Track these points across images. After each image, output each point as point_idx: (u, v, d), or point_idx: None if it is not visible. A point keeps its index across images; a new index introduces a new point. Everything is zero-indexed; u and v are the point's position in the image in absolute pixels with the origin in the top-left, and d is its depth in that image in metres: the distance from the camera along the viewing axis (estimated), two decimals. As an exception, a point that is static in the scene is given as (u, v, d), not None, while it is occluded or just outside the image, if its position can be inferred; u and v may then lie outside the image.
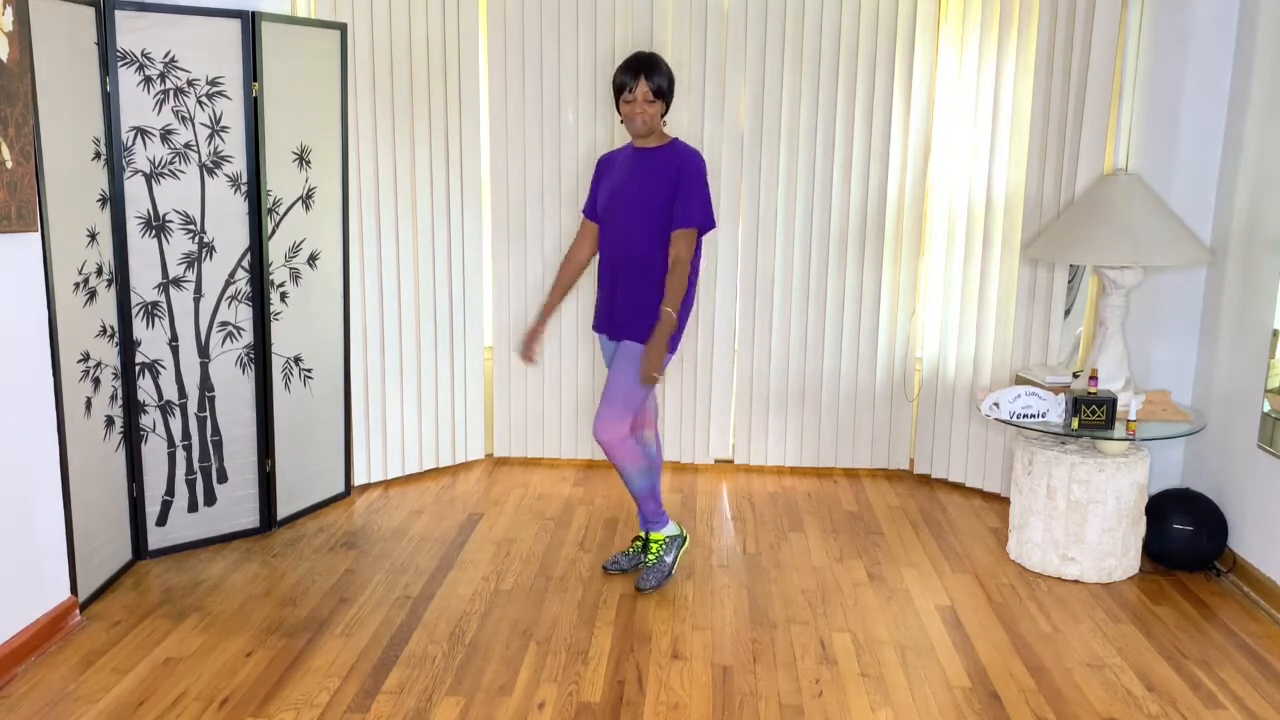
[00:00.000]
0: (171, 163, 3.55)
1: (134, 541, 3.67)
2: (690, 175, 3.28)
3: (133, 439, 3.61)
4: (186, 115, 3.55)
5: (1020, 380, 4.07)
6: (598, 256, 3.55)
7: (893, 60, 4.49)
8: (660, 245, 3.33)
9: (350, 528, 4.05)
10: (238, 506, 3.89)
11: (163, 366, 3.64)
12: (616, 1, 4.52)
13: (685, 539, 3.67)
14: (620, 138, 4.61)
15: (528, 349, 3.50)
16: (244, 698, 2.82)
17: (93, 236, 3.35)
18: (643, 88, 3.23)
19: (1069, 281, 4.18)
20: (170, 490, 3.73)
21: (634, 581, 3.57)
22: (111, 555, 3.51)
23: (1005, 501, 4.47)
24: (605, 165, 3.51)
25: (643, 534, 3.61)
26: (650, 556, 3.56)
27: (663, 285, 3.34)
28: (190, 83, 3.54)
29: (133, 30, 3.41)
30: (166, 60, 3.48)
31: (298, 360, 4.00)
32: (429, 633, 3.21)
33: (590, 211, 3.56)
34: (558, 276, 3.60)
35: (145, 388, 3.62)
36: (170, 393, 3.67)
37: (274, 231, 3.83)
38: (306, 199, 3.95)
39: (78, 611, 3.24)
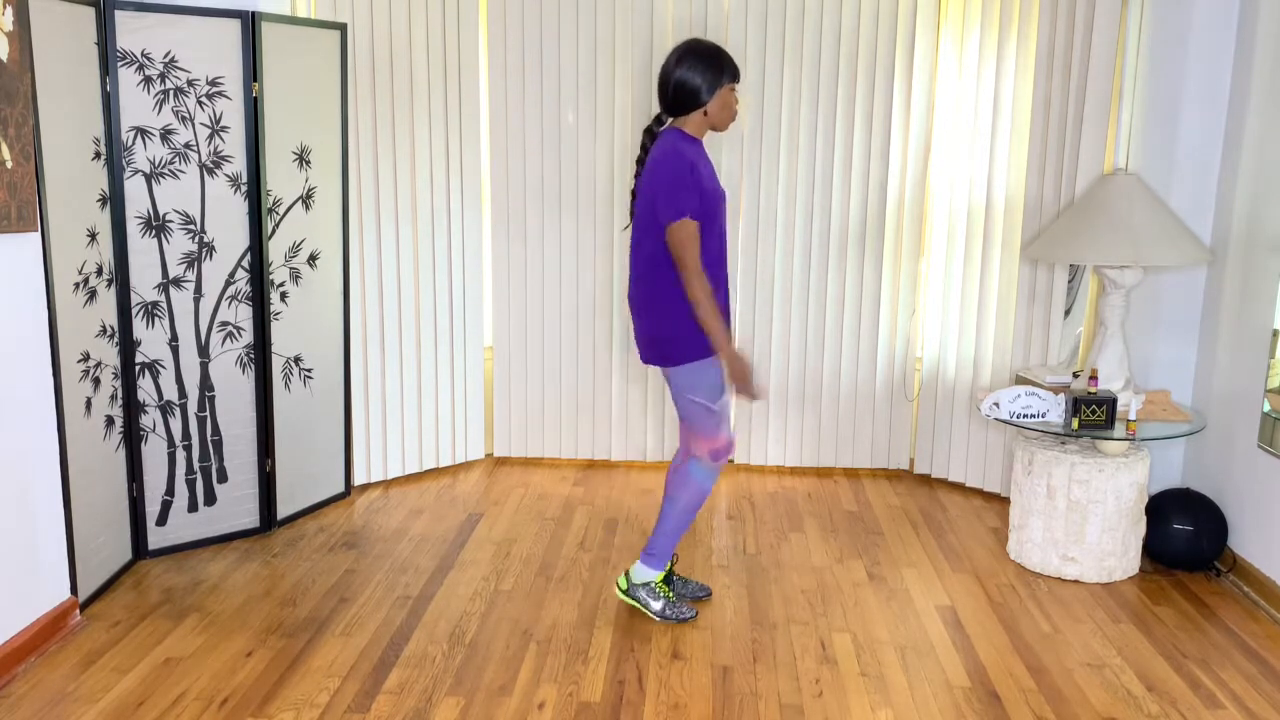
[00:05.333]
0: (171, 163, 3.55)
1: (134, 541, 3.67)
2: None
3: (133, 439, 3.61)
4: (186, 115, 3.55)
5: (1020, 380, 4.07)
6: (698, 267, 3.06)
7: (893, 60, 4.49)
8: None
9: (350, 528, 4.05)
10: (238, 506, 3.89)
11: (163, 366, 3.64)
12: (616, 2, 4.52)
13: None
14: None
15: (754, 385, 3.09)
16: (244, 698, 2.82)
17: (93, 236, 3.35)
18: None
19: (1069, 281, 4.18)
20: (170, 490, 3.73)
21: (691, 594, 3.48)
22: (111, 555, 3.51)
23: (1005, 501, 4.47)
24: (693, 162, 3.05)
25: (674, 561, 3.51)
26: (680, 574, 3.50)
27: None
28: (190, 83, 3.54)
29: (133, 30, 3.41)
30: (166, 60, 3.48)
31: (298, 360, 4.00)
32: (429, 633, 3.21)
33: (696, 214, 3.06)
34: (715, 298, 3.08)
35: (145, 388, 3.62)
36: (170, 393, 3.67)
37: (274, 231, 3.83)
38: (306, 199, 3.95)
39: (78, 611, 3.24)
